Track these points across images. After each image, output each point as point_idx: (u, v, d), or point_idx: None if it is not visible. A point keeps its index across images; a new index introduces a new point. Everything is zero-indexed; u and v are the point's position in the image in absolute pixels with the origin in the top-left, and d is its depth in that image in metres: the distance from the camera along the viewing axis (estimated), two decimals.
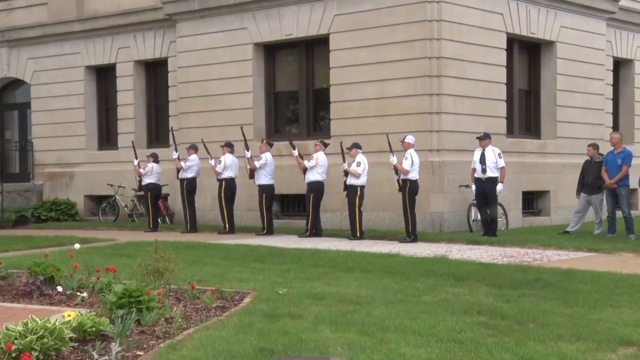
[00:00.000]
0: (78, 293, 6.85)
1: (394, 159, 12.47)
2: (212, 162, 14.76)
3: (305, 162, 13.50)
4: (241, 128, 14.41)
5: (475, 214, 13.71)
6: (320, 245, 11.66)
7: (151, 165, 15.75)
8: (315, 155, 13.62)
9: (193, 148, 15.34)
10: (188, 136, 16.46)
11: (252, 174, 14.23)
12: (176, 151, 15.21)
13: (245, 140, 14.36)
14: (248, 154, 14.18)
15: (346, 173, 13.02)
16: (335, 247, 11.24)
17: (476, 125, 14.21)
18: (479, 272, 8.25)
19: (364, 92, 14.42)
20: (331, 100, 14.98)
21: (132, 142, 16.30)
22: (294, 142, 14.21)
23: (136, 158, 15.87)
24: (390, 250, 10.61)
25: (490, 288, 7.28)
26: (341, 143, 13.26)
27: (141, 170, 15.72)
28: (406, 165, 12.31)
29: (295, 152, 13.67)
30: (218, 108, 16.28)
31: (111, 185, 17.94)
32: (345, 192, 13.12)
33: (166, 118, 17.77)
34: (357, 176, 12.86)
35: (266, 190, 14.22)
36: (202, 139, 14.98)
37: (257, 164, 14.14)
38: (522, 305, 6.33)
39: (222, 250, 10.81)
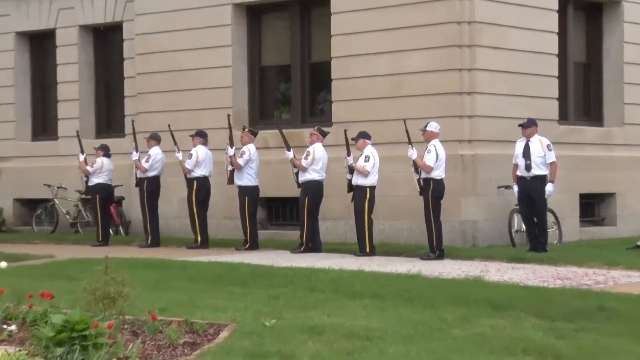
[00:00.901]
0: (4, 326, 6.81)
1: (413, 153, 12.47)
2: (180, 156, 14.76)
3: (303, 161, 13.52)
4: (228, 117, 14.38)
5: (518, 223, 13.73)
6: (318, 263, 11.65)
7: (100, 160, 15.75)
8: (311, 148, 13.61)
9: (154, 138, 15.35)
10: (149, 123, 16.46)
11: (232, 176, 14.21)
12: (137, 151, 15.21)
13: (230, 133, 14.33)
14: (231, 151, 14.16)
15: (351, 170, 13.02)
16: (338, 265, 11.23)
17: (519, 108, 14.21)
18: (524, 299, 8.25)
19: (375, 67, 14.43)
20: (332, 77, 14.98)
21: (77, 132, 16.31)
22: (286, 131, 14.21)
23: (82, 152, 15.87)
24: (409, 270, 10.57)
25: (540, 319, 7.28)
26: (345, 132, 13.26)
27: (88, 167, 15.70)
28: (429, 160, 12.31)
29: (290, 154, 13.69)
30: (187, 87, 16.29)
31: (49, 186, 17.95)
32: (351, 195, 13.09)
33: (120, 99, 17.81)
34: (366, 174, 12.86)
35: (249, 193, 14.21)
36: (168, 126, 14.95)
37: (239, 160, 14.13)
38: (580, 342, 6.32)
39: (192, 270, 10.79)
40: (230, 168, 14.23)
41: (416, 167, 12.45)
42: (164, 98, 16.54)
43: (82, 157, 15.80)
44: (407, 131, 12.54)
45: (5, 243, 16.01)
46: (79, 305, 6.41)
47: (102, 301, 6.38)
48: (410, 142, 12.49)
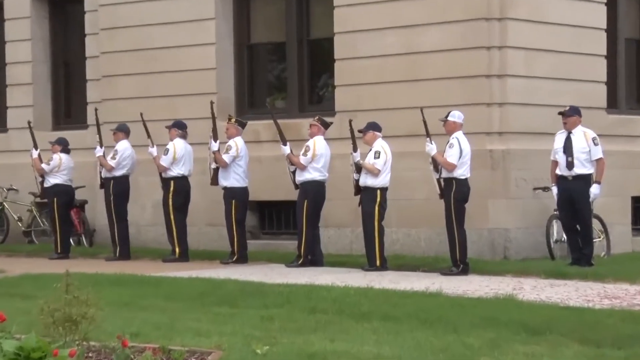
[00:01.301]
0: None
1: (432, 148, 12.50)
2: (154, 151, 14.78)
3: (301, 158, 13.55)
4: (211, 104, 14.38)
5: (558, 231, 13.74)
6: (319, 279, 11.65)
7: (58, 157, 15.72)
8: (311, 142, 13.63)
9: (122, 130, 15.36)
10: (116, 112, 16.46)
11: (216, 176, 14.25)
12: (101, 146, 15.23)
13: (214, 124, 14.31)
14: (215, 146, 14.17)
15: (358, 169, 13.05)
16: (342, 281, 11.23)
17: (559, 94, 14.22)
18: (564, 322, 8.26)
19: (385, 45, 14.44)
20: (335, 57, 14.99)
21: (29, 123, 16.29)
22: (281, 121, 14.20)
23: (35, 146, 15.89)
24: (427, 288, 10.57)
25: (583, 346, 7.29)
26: (350, 123, 13.25)
27: (43, 165, 15.74)
28: (451, 156, 12.33)
29: (287, 149, 13.70)
30: (162, 69, 16.30)
31: None
32: (359, 198, 13.12)
33: (82, 84, 17.78)
34: (376, 173, 12.91)
35: (237, 195, 14.24)
36: (141, 115, 14.95)
37: (224, 156, 14.15)
38: None
39: (169, 287, 10.81)
40: (214, 166, 14.25)
41: (436, 164, 12.46)
42: (134, 82, 16.55)
43: (35, 153, 15.79)
44: (424, 121, 12.53)
45: None
46: (35, 329, 6.43)
47: (62, 324, 6.37)
48: (428, 135, 12.50)
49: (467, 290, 10.58)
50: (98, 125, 15.37)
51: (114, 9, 16.77)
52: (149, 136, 14.81)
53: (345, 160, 13.66)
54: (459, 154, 12.28)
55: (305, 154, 13.54)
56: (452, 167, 12.28)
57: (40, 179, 15.88)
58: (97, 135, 15.32)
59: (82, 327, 6.39)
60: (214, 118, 14.34)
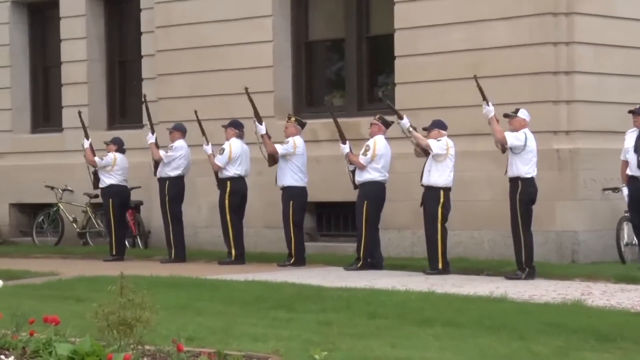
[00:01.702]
0: (2, 357, 6.91)
1: (489, 109, 12.38)
2: (209, 149, 14.86)
3: (361, 158, 13.53)
4: (246, 90, 14.29)
5: (629, 234, 13.63)
6: (379, 282, 11.66)
7: (113, 156, 15.81)
8: (371, 141, 13.64)
9: (179, 130, 15.44)
10: (172, 111, 16.61)
11: (273, 159, 14.23)
12: (153, 132, 15.31)
13: (254, 107, 14.28)
14: (262, 129, 14.19)
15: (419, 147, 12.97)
16: (403, 285, 11.22)
17: (630, 91, 14.11)
18: (636, 328, 8.18)
19: (448, 41, 14.43)
20: (396, 53, 14.99)
21: (79, 113, 16.33)
22: (340, 120, 14.23)
23: (87, 136, 15.93)
24: (491, 292, 10.53)
25: None
26: (409, 123, 13.26)
27: (96, 158, 15.80)
28: (511, 137, 12.24)
29: (347, 148, 13.71)
30: (218, 67, 16.41)
31: (52, 189, 18.15)
32: (421, 200, 13.10)
33: (138, 82, 17.93)
34: (424, 145, 12.91)
35: (294, 196, 14.27)
36: (195, 112, 14.99)
37: (280, 148, 14.11)
38: None
39: (225, 291, 10.85)
40: (263, 131, 14.19)
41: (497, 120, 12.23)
42: (190, 80, 16.68)
43: (87, 143, 15.84)
44: (479, 87, 12.40)
45: (0, 257, 16.13)
46: (90, 332, 6.49)
47: (117, 328, 6.39)
48: (485, 98, 12.33)
49: (533, 295, 10.51)
50: (148, 110, 15.44)
51: (169, 7, 16.92)
52: (203, 134, 14.86)
53: (407, 161, 13.68)
54: (522, 144, 12.10)
55: (365, 154, 13.54)
56: (502, 140, 12.09)
57: (92, 170, 15.87)
58: (149, 122, 15.39)
59: (137, 331, 6.40)
60: (252, 102, 14.30)
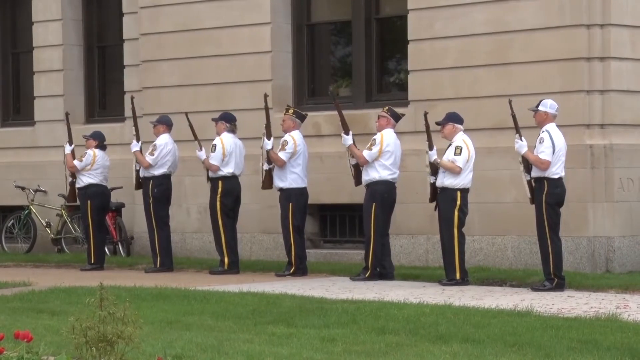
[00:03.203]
0: None
1: (522, 145, 12.39)
2: (202, 154, 14.76)
3: (365, 152, 13.51)
4: (265, 98, 14.32)
5: None
6: (390, 294, 11.66)
7: (92, 152, 15.74)
8: (378, 135, 13.63)
9: (163, 123, 15.38)
10: (157, 101, 16.62)
11: (268, 179, 14.28)
12: (138, 140, 15.28)
13: (268, 119, 14.29)
14: (269, 144, 14.17)
15: (435, 170, 13.05)
16: (416, 297, 11.23)
17: None
18: None
19: (469, 23, 14.40)
20: (409, 37, 14.97)
21: (66, 114, 16.33)
22: (345, 112, 14.17)
23: (70, 141, 15.95)
24: (515, 305, 10.52)
25: None
26: (426, 116, 13.21)
27: (76, 162, 15.79)
28: (543, 152, 12.22)
29: (349, 139, 13.69)
30: (209, 52, 16.40)
31: (22, 189, 18.15)
32: (435, 202, 13.12)
33: (119, 70, 17.93)
34: (457, 172, 12.87)
35: (295, 198, 14.27)
36: (186, 115, 14.93)
37: (281, 154, 14.14)
38: None
39: (217, 303, 10.85)
40: (266, 167, 14.26)
41: (527, 164, 12.35)
42: (178, 68, 16.67)
43: (69, 149, 15.85)
44: (513, 115, 12.44)
45: None
46: (66, 349, 6.50)
47: (96, 344, 6.38)
48: (518, 131, 12.41)
49: (562, 309, 10.50)
50: (135, 116, 15.43)
51: None
52: (196, 138, 14.76)
53: (420, 158, 13.65)
54: (551, 149, 12.16)
55: (370, 148, 13.50)
56: (546, 165, 12.15)
57: (70, 179, 15.91)
58: (134, 128, 15.38)
59: (119, 348, 6.39)
60: (267, 112, 14.32)
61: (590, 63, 13.74)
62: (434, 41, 14.69)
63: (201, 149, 14.73)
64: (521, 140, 12.37)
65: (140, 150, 15.21)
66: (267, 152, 14.21)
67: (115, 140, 16.71)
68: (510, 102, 12.52)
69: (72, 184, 15.87)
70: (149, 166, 15.09)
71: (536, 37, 13.93)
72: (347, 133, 13.73)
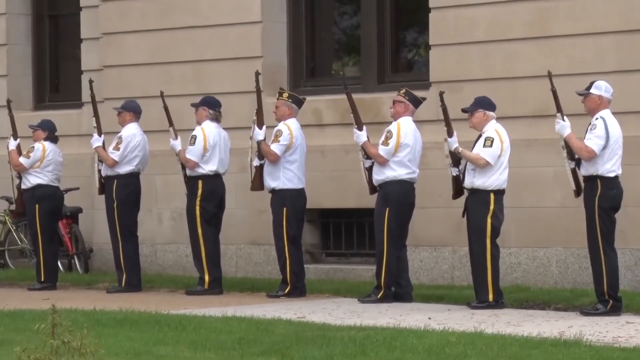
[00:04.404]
0: None
1: (564, 125, 12.34)
2: (177, 144, 14.84)
3: (380, 149, 13.51)
4: (256, 76, 14.35)
5: None
6: (407, 319, 11.70)
7: (41, 146, 15.79)
8: (393, 125, 13.66)
9: (130, 110, 15.40)
10: (121, 83, 16.68)
11: (259, 177, 14.28)
12: (100, 133, 15.30)
13: (259, 104, 14.32)
14: (260, 134, 14.22)
15: (456, 160, 13.10)
16: (439, 324, 11.25)
17: None
18: None
19: None
20: (431, 5, 15.03)
21: (8, 102, 16.35)
22: (353, 96, 14.13)
23: (14, 135, 15.98)
24: (561, 333, 10.49)
25: None
26: (441, 95, 13.23)
27: (22, 159, 15.79)
28: (591, 139, 12.20)
29: (362, 136, 13.69)
30: (186, 23, 16.48)
31: None
32: (463, 208, 13.12)
33: (75, 45, 17.98)
34: (481, 165, 12.86)
35: (290, 201, 14.31)
36: (161, 93, 14.98)
37: (273, 146, 14.13)
38: None
39: (195, 331, 10.84)
40: (256, 163, 14.31)
41: (570, 149, 12.34)
42: (147, 41, 16.76)
43: (13, 144, 15.89)
44: (553, 90, 12.39)
45: None
46: None
47: None
48: (559, 110, 12.37)
49: (618, 337, 10.47)
50: (94, 103, 15.46)
51: None
52: (171, 124, 14.86)
53: (437, 153, 13.65)
54: (604, 139, 12.13)
55: (385, 143, 13.51)
56: (590, 154, 12.11)
57: (17, 181, 15.94)
58: (94, 119, 15.40)
59: None
60: (259, 95, 14.36)
61: None
62: (460, 9, 14.76)
63: (176, 138, 14.83)
64: (563, 120, 12.36)
65: (103, 146, 15.24)
66: (258, 144, 14.24)
67: (71, 131, 16.82)
68: (549, 74, 12.48)
69: (19, 186, 15.90)
70: (115, 164, 15.13)
71: (586, 3, 13.98)
72: (360, 129, 13.75)
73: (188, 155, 14.62)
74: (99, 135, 15.27)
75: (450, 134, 13.07)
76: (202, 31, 16.32)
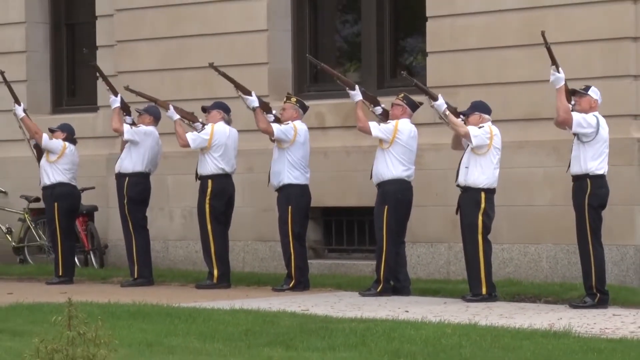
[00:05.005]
0: None
1: (559, 77, 12.23)
2: (175, 115, 14.71)
3: (373, 124, 13.51)
4: (212, 67, 14.34)
5: None
6: (405, 312, 11.69)
7: (62, 142, 15.65)
8: (391, 123, 13.62)
9: (151, 114, 15.31)
10: (134, 88, 16.45)
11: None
12: (116, 95, 15.10)
13: (235, 83, 14.30)
14: (254, 100, 14.08)
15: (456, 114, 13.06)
16: (436, 316, 11.23)
17: None
18: None
19: None
20: (428, 14, 14.98)
21: (2, 73, 16.08)
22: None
23: (17, 101, 15.68)
24: (551, 325, 10.51)
25: None
26: (409, 78, 13.40)
27: (45, 136, 15.48)
28: (579, 116, 12.16)
29: (359, 94, 13.62)
30: (196, 31, 16.45)
31: None
32: (456, 206, 13.18)
33: (91, 51, 17.92)
34: (462, 134, 12.93)
35: (295, 197, 14.31)
36: (211, 64, 14.77)
37: (277, 128, 14.06)
38: None
39: (204, 323, 10.84)
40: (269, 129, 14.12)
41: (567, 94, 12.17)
42: (159, 49, 16.73)
43: (20, 110, 15.62)
44: (548, 47, 12.23)
45: None
46: None
47: None
48: (554, 62, 12.22)
49: (605, 329, 10.49)
50: (102, 73, 15.39)
51: None
52: (188, 120, 14.73)
53: (441, 153, 13.75)
54: (594, 132, 12.12)
55: (380, 124, 13.57)
56: (567, 117, 11.97)
57: (33, 143, 15.69)
58: (107, 84, 15.23)
59: None
60: (228, 78, 14.37)
61: (637, 44, 13.75)
62: (455, 18, 14.72)
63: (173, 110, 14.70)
64: (558, 72, 12.27)
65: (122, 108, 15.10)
66: (255, 110, 14.22)
67: (87, 133, 16.70)
68: (543, 33, 12.29)
69: (37, 146, 15.64)
70: (120, 132, 14.93)
71: (574, 13, 13.93)
72: (352, 88, 13.73)
73: (187, 135, 14.47)
74: (115, 95, 15.15)
75: (434, 98, 13.07)
76: (211, 39, 16.30)
